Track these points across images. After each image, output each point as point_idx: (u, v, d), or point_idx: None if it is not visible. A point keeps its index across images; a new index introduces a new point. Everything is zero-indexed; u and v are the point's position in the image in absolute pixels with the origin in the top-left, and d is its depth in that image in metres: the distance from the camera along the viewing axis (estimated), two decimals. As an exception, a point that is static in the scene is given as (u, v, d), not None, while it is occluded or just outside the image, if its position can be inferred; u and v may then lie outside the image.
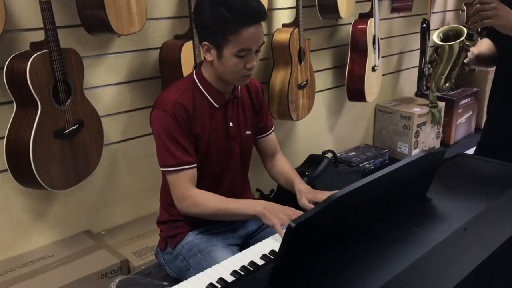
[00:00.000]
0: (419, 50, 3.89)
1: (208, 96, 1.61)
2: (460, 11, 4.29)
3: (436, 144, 3.99)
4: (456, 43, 1.58)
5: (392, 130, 3.79)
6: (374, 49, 3.26)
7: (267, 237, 1.73)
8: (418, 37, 3.94)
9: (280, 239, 1.34)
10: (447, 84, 1.67)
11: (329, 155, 3.22)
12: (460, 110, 4.11)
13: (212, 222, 1.67)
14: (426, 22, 3.68)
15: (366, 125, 3.87)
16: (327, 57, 3.35)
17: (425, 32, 3.68)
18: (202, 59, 1.63)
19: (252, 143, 1.78)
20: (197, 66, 1.66)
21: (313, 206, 1.61)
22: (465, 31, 1.57)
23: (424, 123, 3.75)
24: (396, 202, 1.32)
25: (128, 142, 2.46)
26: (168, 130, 1.54)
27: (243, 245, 1.73)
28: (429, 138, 3.87)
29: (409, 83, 4.13)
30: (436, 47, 1.64)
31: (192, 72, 1.66)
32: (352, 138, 3.78)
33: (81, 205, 2.36)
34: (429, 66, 1.70)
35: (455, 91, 4.17)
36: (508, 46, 1.69)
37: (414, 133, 3.68)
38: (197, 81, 1.62)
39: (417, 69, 4.07)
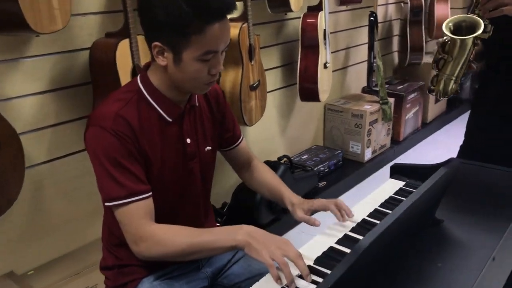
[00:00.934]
0: (366, 44, 3.74)
1: (159, 108, 1.29)
2: (402, 4, 4.19)
3: (387, 141, 3.86)
4: (471, 37, 1.33)
5: (344, 129, 3.60)
6: (325, 44, 3.04)
7: (241, 273, 1.44)
8: (364, 30, 3.79)
9: (273, 283, 1.06)
10: (454, 86, 1.42)
11: (285, 160, 2.98)
12: (408, 105, 4.01)
13: (173, 263, 1.34)
14: (374, 15, 3.52)
15: (316, 125, 3.66)
16: (275, 54, 3.09)
17: (373, 25, 3.53)
18: (150, 61, 1.30)
19: (213, 160, 1.48)
20: (142, 70, 1.33)
21: (310, 217, 1.39)
22: (482, 22, 1.32)
23: (376, 120, 3.60)
24: (410, 231, 1.07)
25: (55, 163, 2.06)
26: (111, 153, 1.20)
27: (211, 286, 1.42)
28: (381, 136, 3.73)
29: (356, 79, 3.97)
30: (444, 42, 1.37)
31: (135, 78, 1.32)
32: (303, 140, 3.55)
33: (0, 243, 1.93)
34: (434, 65, 1.44)
35: (402, 86, 4.07)
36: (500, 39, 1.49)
37: (367, 131, 3.52)
38: (143, 89, 1.29)
39: (363, 64, 3.93)
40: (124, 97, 1.26)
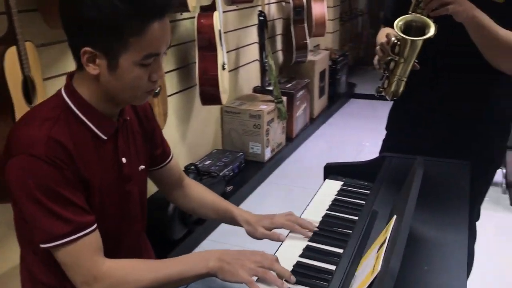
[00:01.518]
0: (255, 44, 3.73)
1: (92, 125, 1.09)
2: (284, 3, 4.26)
3: (282, 139, 3.90)
4: (426, 38, 1.30)
5: (242, 130, 3.55)
6: (221, 45, 2.95)
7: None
8: (253, 30, 3.78)
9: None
10: (404, 87, 1.39)
11: (191, 168, 2.84)
12: (297, 103, 4.09)
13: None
14: (263, 14, 3.51)
15: (214, 129, 3.56)
16: (169, 57, 2.91)
17: (262, 24, 3.52)
18: (74, 70, 1.09)
19: (147, 182, 1.30)
20: (67, 81, 1.11)
21: (273, 233, 1.29)
22: (432, 23, 1.30)
23: (272, 119, 3.60)
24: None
25: None
26: (48, 184, 0.99)
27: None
28: (277, 134, 3.75)
29: (247, 79, 3.94)
30: (394, 44, 1.34)
31: (58, 92, 1.11)
32: (203, 145, 3.42)
33: None
34: (384, 67, 1.40)
35: (290, 84, 4.14)
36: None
37: (265, 131, 3.51)
38: (70, 104, 1.08)
39: (254, 64, 3.92)
40: (52, 115, 1.04)
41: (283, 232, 1.30)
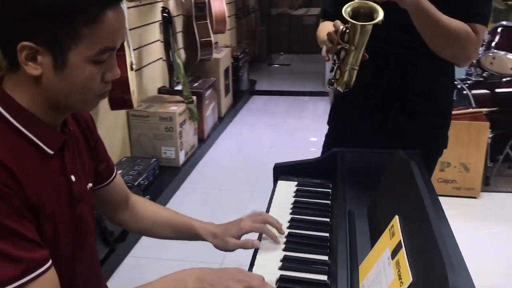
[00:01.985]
0: (158, 42, 3.52)
1: (34, 138, 0.89)
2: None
3: (195, 141, 3.74)
4: (375, 23, 1.23)
5: (153, 135, 3.33)
6: (128, 43, 2.72)
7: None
8: (155, 27, 3.56)
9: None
10: (356, 76, 1.32)
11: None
12: (206, 102, 3.96)
13: None
14: (167, 10, 3.32)
15: (121, 135, 3.29)
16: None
17: (167, 21, 3.32)
18: (2, 73, 0.87)
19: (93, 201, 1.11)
20: None
21: (246, 241, 1.16)
22: (379, 8, 1.24)
23: (184, 121, 3.43)
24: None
25: None
26: None
27: None
28: (189, 137, 3.59)
29: (152, 80, 3.71)
30: (343, 32, 1.25)
31: None
32: (112, 153, 3.11)
33: None
34: (335, 57, 1.30)
35: (197, 83, 3.99)
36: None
37: (178, 134, 3.33)
38: (4, 112, 0.86)
39: (157, 63, 3.70)
40: None
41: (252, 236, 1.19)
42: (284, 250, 1.15)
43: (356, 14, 1.24)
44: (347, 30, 1.24)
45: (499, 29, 3.34)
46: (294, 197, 1.40)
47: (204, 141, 3.93)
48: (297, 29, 7.98)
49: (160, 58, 3.69)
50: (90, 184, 1.06)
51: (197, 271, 0.95)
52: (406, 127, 1.53)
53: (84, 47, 0.83)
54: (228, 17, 5.40)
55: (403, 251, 0.78)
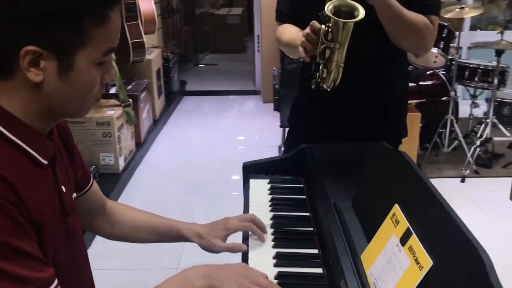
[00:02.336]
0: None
1: (28, 148, 0.82)
2: None
3: (133, 145, 3.62)
4: (355, 21, 1.25)
5: (90, 141, 3.18)
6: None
7: None
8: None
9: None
10: (341, 74, 1.33)
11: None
12: (142, 105, 3.85)
13: None
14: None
15: (56, 143, 3.11)
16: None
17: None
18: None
19: None
20: None
21: (234, 245, 1.16)
22: (359, 6, 1.26)
23: (122, 125, 3.31)
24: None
25: None
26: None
27: None
28: (128, 141, 3.47)
29: (83, 84, 3.55)
30: (326, 31, 1.24)
31: None
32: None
33: None
34: (320, 57, 1.30)
35: (131, 86, 3.86)
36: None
37: (117, 139, 3.21)
38: None
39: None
40: None
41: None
42: (274, 247, 1.16)
43: (338, 12, 1.27)
44: (330, 29, 1.26)
45: (422, 26, 3.55)
46: (270, 194, 1.41)
47: (141, 145, 3.82)
48: (221, 29, 7.99)
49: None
50: (74, 194, 1.00)
51: (202, 268, 0.94)
52: (369, 118, 1.59)
53: (91, 49, 0.79)
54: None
55: (414, 236, 0.81)
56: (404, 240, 0.84)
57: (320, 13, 1.32)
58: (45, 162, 0.85)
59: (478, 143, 3.44)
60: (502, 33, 3.31)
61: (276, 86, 3.45)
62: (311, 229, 1.23)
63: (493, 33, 4.11)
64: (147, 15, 4.18)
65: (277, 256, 1.11)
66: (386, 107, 1.62)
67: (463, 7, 3.25)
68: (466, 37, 4.16)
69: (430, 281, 0.74)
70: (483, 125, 3.57)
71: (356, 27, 1.44)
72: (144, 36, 3.88)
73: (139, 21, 3.86)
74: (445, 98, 3.60)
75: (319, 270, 1.07)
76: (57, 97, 0.82)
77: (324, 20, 1.30)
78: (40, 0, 0.75)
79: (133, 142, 3.63)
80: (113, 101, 3.37)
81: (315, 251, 1.14)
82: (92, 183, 1.14)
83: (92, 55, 0.80)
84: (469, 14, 3.23)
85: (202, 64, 7.40)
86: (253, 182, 1.49)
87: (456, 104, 3.64)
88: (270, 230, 1.23)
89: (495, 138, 3.55)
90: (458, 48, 3.51)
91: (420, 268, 0.76)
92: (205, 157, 3.94)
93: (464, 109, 3.83)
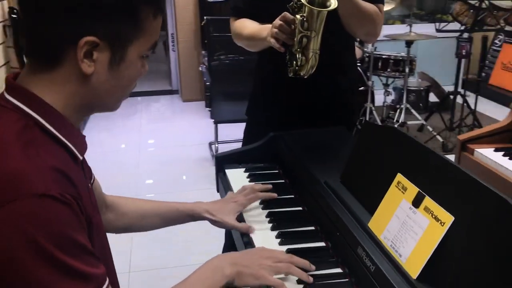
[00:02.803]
0: (6, 46, 3.13)
1: (68, 143, 0.80)
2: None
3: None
4: (330, 9, 1.31)
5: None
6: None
7: None
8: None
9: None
10: (317, 61, 1.39)
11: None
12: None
13: None
14: (15, 11, 2.97)
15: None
16: None
17: (17, 22, 2.98)
18: (19, 72, 0.78)
19: None
20: (14, 86, 0.79)
21: (245, 225, 1.21)
22: None
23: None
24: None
25: None
26: (61, 232, 0.71)
27: None
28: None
29: (-3, 89, 3.29)
30: (302, 21, 1.30)
31: (7, 101, 0.78)
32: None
33: None
34: (299, 45, 1.34)
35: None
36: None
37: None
38: (42, 120, 0.77)
39: (2, 69, 3.29)
40: (29, 136, 0.74)
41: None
42: (273, 229, 1.20)
43: (311, 2, 1.33)
44: (305, 19, 1.33)
45: (340, 20, 3.78)
46: (250, 181, 1.45)
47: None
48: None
49: (7, 63, 3.29)
50: None
51: (228, 257, 0.98)
52: (329, 104, 1.69)
53: (143, 41, 0.81)
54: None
55: (427, 198, 0.91)
56: (417, 203, 0.93)
57: (289, 5, 1.40)
58: (81, 157, 0.84)
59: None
60: (410, 26, 3.63)
61: (207, 83, 3.46)
62: (300, 208, 1.30)
63: (402, 26, 4.49)
64: None
65: (279, 235, 1.16)
66: (344, 94, 1.73)
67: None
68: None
69: (455, 235, 0.84)
70: (398, 111, 3.88)
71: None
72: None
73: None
74: (362, 88, 3.86)
75: (322, 244, 1.13)
76: (102, 89, 0.81)
77: (295, 10, 1.37)
78: None
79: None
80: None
81: (312, 227, 1.21)
82: (94, 179, 1.11)
83: (142, 47, 0.82)
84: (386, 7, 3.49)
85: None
86: (230, 172, 1.52)
87: (372, 93, 3.92)
88: (263, 213, 1.27)
89: (409, 122, 3.88)
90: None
91: (442, 224, 0.86)
92: (136, 159, 3.84)
93: (378, 98, 4.13)
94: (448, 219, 0.85)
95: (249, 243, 1.16)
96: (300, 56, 1.37)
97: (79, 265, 0.71)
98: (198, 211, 1.20)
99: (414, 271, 0.87)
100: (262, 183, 1.41)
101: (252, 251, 1.02)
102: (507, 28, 4.81)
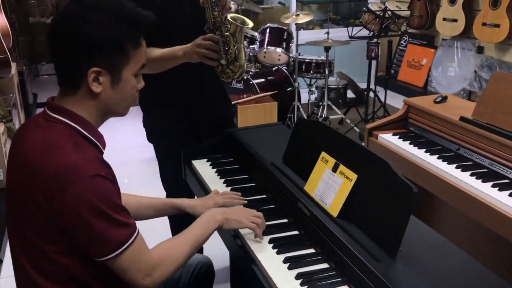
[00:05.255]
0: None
1: (98, 142, 1.21)
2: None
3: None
4: (249, 26, 1.80)
5: (-24, 159, 3.18)
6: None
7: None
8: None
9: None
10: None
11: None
12: (15, 120, 3.86)
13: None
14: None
15: None
16: None
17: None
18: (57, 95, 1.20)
19: None
20: (54, 106, 1.17)
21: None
22: (245, 18, 1.80)
23: (6, 141, 3.36)
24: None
25: None
26: (108, 197, 1.11)
27: None
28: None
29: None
30: (232, 34, 1.75)
31: (51, 118, 1.16)
32: None
33: None
34: (233, 55, 1.77)
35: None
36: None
37: (4, 154, 3.26)
38: (78, 127, 1.16)
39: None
40: (74, 139, 1.13)
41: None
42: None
43: (235, 21, 1.78)
44: (233, 34, 1.77)
45: (267, 30, 4.28)
46: (213, 169, 1.89)
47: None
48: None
49: None
50: None
51: (219, 210, 1.42)
52: (216, 104, 2.07)
53: (132, 65, 1.18)
54: None
55: (341, 165, 1.40)
56: (335, 169, 1.42)
57: (205, 27, 1.79)
58: (103, 151, 1.22)
59: (319, 122, 4.30)
60: (328, 33, 4.20)
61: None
62: (254, 184, 1.75)
63: (321, 32, 5.05)
64: (3, 29, 4.16)
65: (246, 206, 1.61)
66: (224, 95, 2.15)
67: (298, 14, 4.05)
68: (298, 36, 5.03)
69: (358, 187, 1.33)
70: (321, 107, 4.45)
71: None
72: (7, 51, 3.90)
73: (0, 37, 3.87)
74: (289, 88, 4.39)
75: (272, 206, 1.60)
76: (110, 102, 1.20)
77: (213, 31, 1.77)
78: (100, 37, 1.12)
79: (14, 157, 3.66)
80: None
81: (264, 196, 1.66)
82: None
83: (133, 69, 1.19)
84: (303, 19, 4.04)
85: (44, 75, 7.23)
86: (196, 163, 1.95)
87: (299, 93, 4.46)
88: (227, 189, 1.71)
89: (331, 117, 4.46)
90: (297, 46, 4.29)
91: (350, 180, 1.35)
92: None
93: (304, 96, 4.68)
94: (354, 177, 1.35)
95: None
96: (237, 64, 1.81)
97: (121, 218, 1.12)
98: (183, 205, 1.56)
99: (335, 212, 1.36)
100: (223, 169, 1.86)
101: (235, 208, 1.47)
102: (410, 30, 5.57)
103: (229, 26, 1.77)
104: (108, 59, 1.15)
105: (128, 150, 4.34)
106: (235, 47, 1.79)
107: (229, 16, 1.79)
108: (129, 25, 1.15)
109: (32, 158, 1.10)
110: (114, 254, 1.11)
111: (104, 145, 1.23)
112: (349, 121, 4.46)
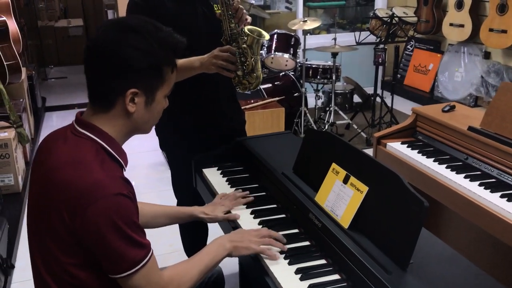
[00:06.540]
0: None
1: (120, 160, 1.23)
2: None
3: (24, 165, 3.69)
4: (266, 38, 1.83)
5: (-13, 165, 3.22)
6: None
7: None
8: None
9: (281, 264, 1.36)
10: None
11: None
12: (25, 125, 3.90)
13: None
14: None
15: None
16: None
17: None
18: (87, 113, 1.23)
19: None
20: (84, 122, 1.20)
21: (229, 215, 1.61)
22: (262, 30, 1.82)
23: (17, 146, 3.40)
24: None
25: None
26: (129, 216, 1.13)
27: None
28: (20, 161, 3.55)
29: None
30: (248, 47, 1.78)
31: (80, 133, 1.19)
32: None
33: None
34: (251, 66, 1.80)
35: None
36: None
37: (15, 159, 3.30)
38: (105, 145, 1.19)
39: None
40: (101, 157, 1.16)
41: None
42: (247, 207, 1.67)
43: (252, 34, 1.81)
44: (250, 47, 1.79)
45: (275, 35, 4.30)
46: (223, 177, 1.91)
47: (29, 163, 3.88)
48: (63, 41, 7.93)
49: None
50: None
51: (226, 236, 1.43)
52: (230, 116, 2.11)
53: (165, 87, 1.23)
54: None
55: (352, 177, 1.42)
56: (345, 181, 1.43)
57: (222, 39, 1.82)
58: (126, 168, 1.25)
59: (326, 127, 4.32)
60: (335, 39, 4.21)
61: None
62: (264, 193, 1.77)
63: (328, 36, 5.06)
64: (14, 34, 4.21)
65: (253, 212, 1.63)
66: (237, 104, 2.19)
67: (306, 20, 4.07)
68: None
69: (369, 198, 1.35)
70: (327, 112, 4.47)
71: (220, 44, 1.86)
72: (18, 57, 3.94)
73: (12, 43, 3.91)
74: (296, 94, 4.41)
75: (283, 216, 1.62)
76: (141, 121, 1.23)
77: (230, 42, 1.80)
78: (140, 62, 1.15)
79: (23, 162, 3.70)
80: (2, 123, 3.43)
81: (274, 205, 1.69)
82: None
83: (165, 91, 1.24)
84: (310, 25, 4.05)
85: (52, 78, 7.29)
86: (206, 171, 1.97)
87: (306, 98, 4.48)
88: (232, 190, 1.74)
89: (337, 122, 4.47)
90: (305, 52, 4.31)
91: (361, 192, 1.37)
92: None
93: (311, 101, 4.70)
94: (365, 189, 1.36)
95: (235, 227, 1.59)
96: (254, 75, 1.83)
97: (138, 238, 1.14)
98: (196, 212, 1.62)
99: (346, 223, 1.38)
100: (233, 177, 1.88)
101: (242, 231, 1.46)
102: (417, 35, 5.58)
103: (245, 38, 1.80)
104: (146, 82, 1.19)
105: (136, 155, 4.37)
106: (252, 59, 1.81)
107: (246, 28, 1.81)
108: (168, 50, 1.20)
109: (58, 172, 1.13)
110: (128, 273, 1.13)
111: (126, 162, 1.26)
112: (355, 126, 4.48)
